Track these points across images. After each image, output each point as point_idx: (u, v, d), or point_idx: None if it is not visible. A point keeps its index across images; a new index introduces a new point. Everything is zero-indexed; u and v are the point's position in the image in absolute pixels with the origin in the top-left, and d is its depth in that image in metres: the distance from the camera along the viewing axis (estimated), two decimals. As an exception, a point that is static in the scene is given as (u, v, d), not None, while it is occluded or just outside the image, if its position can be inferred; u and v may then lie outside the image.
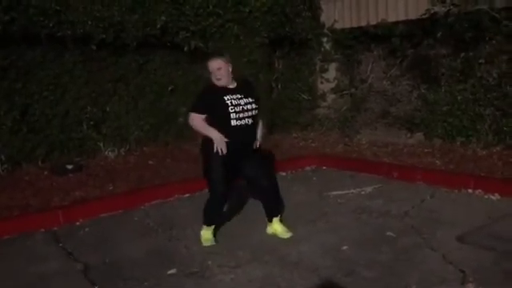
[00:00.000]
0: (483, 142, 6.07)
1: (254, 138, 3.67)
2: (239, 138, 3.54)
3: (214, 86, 3.58)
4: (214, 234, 3.81)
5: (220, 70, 3.51)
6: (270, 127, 7.88)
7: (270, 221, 3.83)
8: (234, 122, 3.49)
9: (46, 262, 3.52)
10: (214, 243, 3.71)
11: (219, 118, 3.51)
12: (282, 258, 3.39)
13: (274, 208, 3.83)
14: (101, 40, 6.02)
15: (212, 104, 3.55)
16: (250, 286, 3.02)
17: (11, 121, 5.72)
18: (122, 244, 3.84)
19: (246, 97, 3.57)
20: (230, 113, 3.47)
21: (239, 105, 3.51)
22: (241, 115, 3.50)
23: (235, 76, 3.68)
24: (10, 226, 4.15)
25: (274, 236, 3.82)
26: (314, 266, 3.23)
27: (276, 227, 3.81)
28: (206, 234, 3.75)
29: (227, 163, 3.53)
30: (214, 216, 3.75)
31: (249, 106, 3.55)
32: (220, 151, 3.48)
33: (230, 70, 3.61)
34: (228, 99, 3.51)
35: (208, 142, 3.57)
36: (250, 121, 3.55)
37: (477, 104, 6.26)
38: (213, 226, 3.78)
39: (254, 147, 3.70)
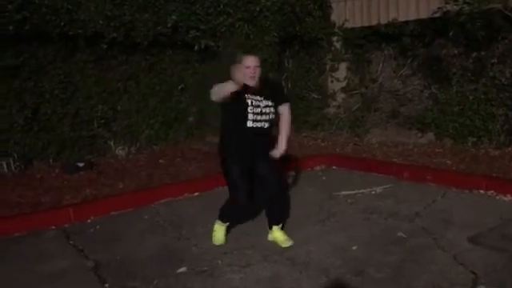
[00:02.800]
0: (495, 143, 6.02)
1: (268, 141, 3.57)
2: (253, 139, 3.48)
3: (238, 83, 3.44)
4: (228, 232, 3.79)
5: (256, 69, 3.43)
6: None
7: (271, 228, 3.73)
8: (250, 124, 3.43)
9: (57, 259, 3.55)
10: (223, 243, 3.69)
11: (236, 116, 3.45)
12: (291, 258, 3.39)
13: (275, 216, 3.72)
14: (112, 39, 6.06)
15: (234, 96, 3.42)
16: (259, 285, 3.02)
17: (23, 119, 5.78)
18: (132, 242, 3.85)
19: (266, 99, 3.50)
20: (248, 113, 3.42)
21: (258, 106, 3.45)
22: (258, 118, 3.45)
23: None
24: (21, 223, 4.19)
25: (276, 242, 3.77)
26: (323, 266, 3.23)
27: (276, 235, 3.69)
28: (219, 232, 3.73)
29: (244, 170, 3.51)
30: (230, 217, 3.75)
31: (267, 110, 3.48)
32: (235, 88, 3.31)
33: None
34: (248, 98, 3.45)
35: (224, 158, 3.56)
36: (267, 124, 3.49)
37: (489, 104, 6.20)
38: (227, 224, 3.75)
39: (275, 155, 3.57)
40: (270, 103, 3.50)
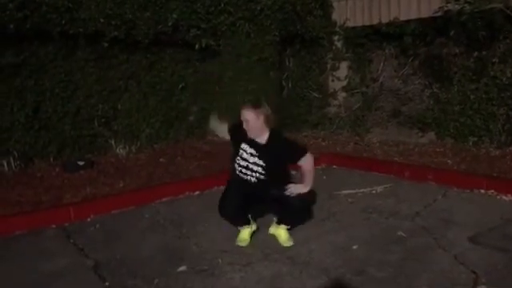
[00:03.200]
0: (496, 142, 6.01)
1: (261, 192, 3.54)
2: (245, 187, 3.52)
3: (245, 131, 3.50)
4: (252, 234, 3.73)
5: (248, 123, 3.37)
6: (280, 126, 7.88)
7: (279, 224, 3.71)
8: (237, 171, 3.51)
9: (57, 257, 3.55)
10: (246, 244, 3.62)
11: (233, 156, 3.53)
12: (291, 257, 3.38)
13: (289, 218, 3.67)
14: (112, 38, 6.05)
15: (234, 139, 3.59)
16: (260, 284, 3.01)
17: (24, 117, 5.77)
18: (132, 241, 3.85)
19: (259, 157, 3.42)
20: (236, 162, 3.49)
21: (246, 160, 3.45)
22: (243, 170, 3.47)
23: (273, 130, 3.50)
24: (21, 221, 4.18)
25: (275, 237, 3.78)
26: (323, 266, 3.22)
27: (280, 232, 3.67)
28: (242, 233, 3.69)
29: (244, 193, 3.53)
30: (231, 222, 3.74)
31: (254, 168, 3.44)
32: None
33: (262, 121, 3.40)
34: (242, 148, 3.46)
35: (232, 176, 3.62)
36: (254, 179, 3.48)
37: (490, 103, 6.19)
38: (244, 227, 3.68)
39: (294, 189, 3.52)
40: (260, 162, 3.42)
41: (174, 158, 6.31)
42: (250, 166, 3.44)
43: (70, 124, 6.23)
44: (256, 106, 3.43)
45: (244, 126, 3.39)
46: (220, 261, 3.38)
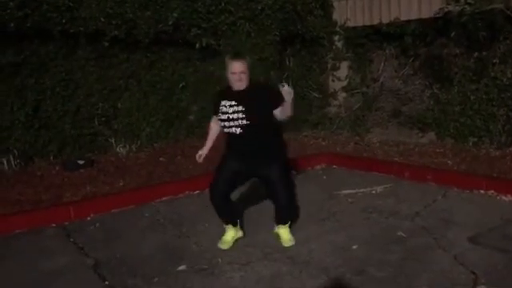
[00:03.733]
0: (496, 143, 6.01)
1: (253, 146, 3.45)
2: (235, 145, 3.47)
3: (228, 87, 3.49)
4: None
5: (242, 75, 3.38)
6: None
7: (277, 224, 3.72)
8: (225, 129, 3.46)
9: (57, 256, 3.56)
10: (227, 247, 3.60)
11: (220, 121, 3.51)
12: (291, 257, 3.39)
13: (282, 217, 3.68)
14: (113, 37, 6.05)
15: (217, 104, 3.52)
16: (259, 284, 3.02)
17: (24, 116, 5.78)
18: (132, 240, 3.86)
19: (237, 105, 3.38)
20: (219, 120, 3.47)
21: (227, 113, 3.40)
22: (226, 124, 3.41)
23: (252, 79, 3.51)
24: (21, 220, 4.20)
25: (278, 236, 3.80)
26: (323, 265, 3.23)
27: (281, 232, 3.68)
28: (226, 235, 3.67)
29: (236, 172, 3.53)
30: (220, 215, 3.65)
31: (235, 116, 3.37)
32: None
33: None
34: (222, 105, 3.44)
35: (225, 147, 3.58)
36: (239, 130, 3.37)
37: (490, 104, 6.19)
38: (229, 226, 3.66)
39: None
40: (239, 108, 3.37)
41: (174, 158, 6.31)
42: (231, 116, 3.38)
43: (71, 123, 6.23)
44: (244, 57, 3.49)
45: (237, 79, 3.37)
46: (220, 260, 3.38)
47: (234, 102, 3.39)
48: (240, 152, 3.48)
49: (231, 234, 3.66)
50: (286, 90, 3.35)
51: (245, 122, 3.35)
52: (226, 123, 3.41)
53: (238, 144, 3.44)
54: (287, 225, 3.69)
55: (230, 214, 3.68)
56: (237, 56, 3.48)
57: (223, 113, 3.42)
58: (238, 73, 3.36)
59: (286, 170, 3.71)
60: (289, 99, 3.39)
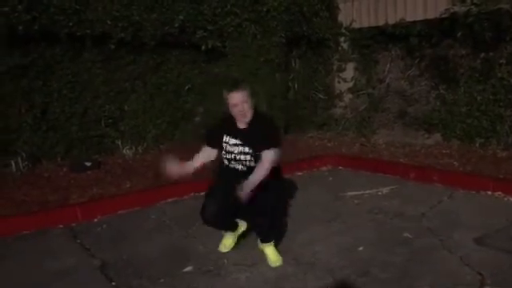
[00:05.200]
0: (503, 144, 5.98)
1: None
2: (232, 178, 3.24)
3: (230, 118, 3.28)
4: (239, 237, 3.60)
5: (246, 104, 3.18)
6: (286, 127, 7.89)
7: (262, 242, 3.41)
8: (226, 162, 3.35)
9: (64, 257, 3.58)
10: (228, 249, 3.53)
11: (220, 151, 3.36)
12: (296, 258, 3.39)
13: (264, 235, 3.37)
14: (119, 39, 6.09)
15: (217, 138, 3.36)
16: (265, 285, 3.02)
17: (31, 118, 5.82)
18: (138, 241, 3.88)
19: (243, 145, 3.24)
20: (222, 156, 3.34)
21: (231, 152, 3.27)
22: (232, 162, 3.29)
23: (256, 111, 3.31)
24: (29, 221, 4.23)
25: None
26: (328, 267, 3.23)
27: (267, 251, 3.37)
28: (225, 238, 3.58)
29: (227, 193, 3.19)
30: (215, 227, 3.51)
31: (242, 157, 3.25)
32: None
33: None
34: (225, 141, 3.29)
35: (218, 166, 3.46)
36: (244, 168, 3.28)
37: (497, 105, 6.17)
38: (228, 232, 3.55)
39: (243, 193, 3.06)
40: (246, 150, 3.23)
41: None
42: (237, 156, 3.26)
43: (77, 125, 6.27)
44: (243, 87, 3.24)
45: (239, 113, 3.17)
46: (226, 261, 3.39)
47: (238, 141, 3.26)
48: (236, 180, 3.17)
49: (232, 238, 3.57)
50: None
51: (253, 163, 3.23)
52: (232, 162, 3.31)
53: (237, 176, 3.22)
54: (272, 243, 3.39)
55: (229, 224, 3.54)
56: (235, 86, 3.23)
57: (227, 152, 3.30)
58: (240, 103, 3.15)
59: (279, 193, 3.54)
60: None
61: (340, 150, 6.81)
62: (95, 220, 4.43)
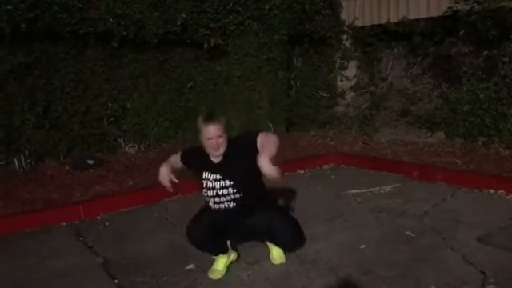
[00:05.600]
0: (506, 142, 5.97)
1: (244, 216, 3.09)
2: (223, 218, 3.09)
3: (203, 152, 3.07)
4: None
5: (221, 138, 2.97)
6: (288, 125, 7.89)
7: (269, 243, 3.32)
8: (212, 205, 3.09)
9: (67, 255, 3.59)
10: (219, 276, 3.13)
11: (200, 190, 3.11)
12: (299, 256, 3.39)
13: (282, 242, 3.25)
14: (122, 37, 6.10)
15: (195, 167, 3.16)
16: (267, 283, 3.02)
17: (34, 116, 5.83)
18: (141, 238, 3.88)
19: (223, 179, 3.02)
20: (204, 195, 3.10)
21: (213, 188, 3.04)
22: (216, 200, 3.05)
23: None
24: (32, 219, 4.24)
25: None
26: (331, 265, 3.23)
27: (273, 249, 3.30)
28: (216, 263, 3.19)
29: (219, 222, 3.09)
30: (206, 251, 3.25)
31: (225, 191, 3.03)
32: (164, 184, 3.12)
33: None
34: (204, 178, 3.07)
35: (202, 210, 3.24)
36: (232, 204, 3.06)
37: (500, 103, 6.15)
38: (220, 256, 3.20)
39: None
40: (227, 183, 3.02)
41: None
42: (220, 192, 3.03)
43: (80, 123, 6.29)
44: (219, 119, 3.02)
45: (213, 146, 2.98)
46: (228, 259, 3.39)
47: (218, 176, 3.04)
48: (226, 216, 3.10)
49: (223, 262, 3.19)
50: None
51: (238, 195, 3.04)
52: (215, 199, 3.05)
53: (226, 213, 3.08)
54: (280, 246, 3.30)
55: (220, 246, 3.22)
56: (210, 118, 2.99)
57: (209, 188, 3.05)
58: (214, 137, 2.95)
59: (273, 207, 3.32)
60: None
61: (342, 148, 6.80)
62: (98, 218, 4.44)
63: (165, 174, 3.17)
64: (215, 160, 3.07)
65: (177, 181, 3.12)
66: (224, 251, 3.21)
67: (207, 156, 3.07)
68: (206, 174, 3.09)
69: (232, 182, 3.03)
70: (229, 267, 3.21)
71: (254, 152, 2.84)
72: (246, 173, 3.01)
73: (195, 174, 3.18)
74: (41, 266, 3.41)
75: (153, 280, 3.12)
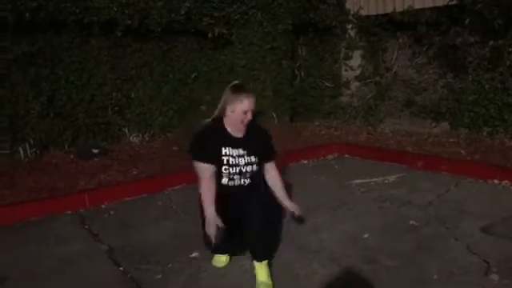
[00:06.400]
0: (511, 133, 5.94)
1: (251, 193, 2.93)
2: (228, 199, 2.85)
3: (219, 127, 2.88)
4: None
5: (251, 113, 2.83)
6: (292, 115, 7.87)
7: (253, 259, 2.93)
8: (225, 181, 2.86)
9: (73, 243, 3.62)
10: (224, 264, 3.13)
11: (214, 170, 2.86)
12: (302, 246, 3.41)
13: (259, 252, 2.89)
14: (126, 26, 6.08)
15: (215, 152, 2.85)
16: (271, 270, 3.04)
17: (39, 106, 5.84)
18: (145, 227, 3.91)
19: (249, 154, 2.88)
20: (222, 172, 2.84)
21: (237, 165, 2.85)
22: (236, 177, 2.86)
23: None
24: (38, 207, 4.27)
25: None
26: (334, 254, 3.24)
27: (258, 272, 2.87)
28: (218, 256, 3.17)
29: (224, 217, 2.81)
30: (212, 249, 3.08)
31: (248, 168, 2.88)
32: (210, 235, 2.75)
33: None
34: (226, 154, 2.84)
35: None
36: (248, 181, 2.91)
37: (505, 93, 6.11)
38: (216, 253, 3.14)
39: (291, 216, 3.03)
40: (252, 159, 2.88)
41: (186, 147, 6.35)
42: (243, 169, 2.87)
43: (84, 112, 6.29)
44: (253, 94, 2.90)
45: (244, 119, 2.82)
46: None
47: (241, 151, 2.86)
48: (231, 197, 2.88)
49: (225, 256, 3.19)
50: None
51: (256, 176, 2.93)
52: (235, 176, 2.86)
53: (239, 195, 2.88)
54: (265, 262, 2.91)
55: (226, 249, 3.13)
56: (246, 90, 2.86)
57: (232, 165, 2.84)
58: (250, 112, 2.81)
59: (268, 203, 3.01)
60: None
61: (347, 138, 6.79)
62: (103, 206, 4.47)
63: (215, 220, 2.73)
64: (237, 135, 2.87)
65: (222, 225, 2.72)
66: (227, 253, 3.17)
67: (225, 131, 2.87)
68: (226, 150, 2.84)
69: (256, 159, 2.90)
70: (231, 257, 3.19)
71: (266, 154, 2.98)
72: (260, 154, 2.95)
73: (218, 156, 2.86)
74: (46, 254, 3.44)
75: (158, 267, 3.15)
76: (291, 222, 3.45)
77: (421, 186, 4.70)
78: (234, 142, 2.85)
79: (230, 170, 2.84)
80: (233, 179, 2.88)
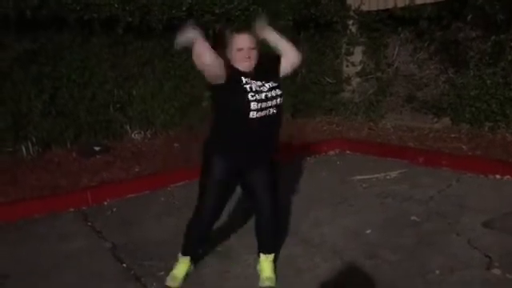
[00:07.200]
0: (513, 128, 5.94)
1: (275, 136, 2.83)
2: (258, 133, 2.69)
3: (231, 66, 2.71)
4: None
5: (252, 51, 2.69)
6: (294, 111, 7.87)
7: (259, 255, 2.97)
8: (253, 114, 2.61)
9: (76, 240, 3.64)
10: (177, 284, 2.91)
11: (235, 107, 2.65)
12: (304, 240, 3.42)
13: (265, 244, 2.95)
14: (127, 23, 6.08)
15: (235, 81, 2.67)
16: (274, 265, 3.05)
17: (41, 104, 5.85)
18: (148, 223, 3.93)
19: (268, 80, 2.72)
20: (250, 101, 2.60)
21: (261, 92, 2.64)
22: (263, 105, 2.63)
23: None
24: (40, 205, 4.28)
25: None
26: (336, 249, 3.26)
27: (263, 267, 2.91)
28: (177, 268, 2.98)
29: (230, 175, 2.85)
30: (192, 244, 3.04)
31: (273, 93, 2.69)
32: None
33: None
34: (246, 82, 2.66)
35: (209, 155, 2.95)
36: (275, 110, 2.70)
37: (507, 88, 6.11)
38: (188, 258, 3.01)
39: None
40: (274, 84, 2.73)
41: (188, 144, 6.36)
42: (269, 94, 2.68)
43: (86, 110, 6.30)
44: (251, 32, 2.79)
45: (245, 56, 2.68)
46: (235, 243, 3.43)
47: (259, 82, 2.69)
48: (248, 147, 2.74)
49: (185, 269, 2.99)
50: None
51: (279, 100, 2.74)
52: (263, 104, 2.63)
53: (259, 131, 2.69)
54: (272, 256, 2.96)
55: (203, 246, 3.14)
56: (242, 29, 2.79)
57: (256, 91, 2.63)
58: (246, 49, 2.67)
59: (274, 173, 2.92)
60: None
61: (348, 134, 6.80)
62: (105, 203, 4.48)
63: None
64: (247, 70, 2.70)
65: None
66: (194, 255, 3.08)
67: (236, 69, 2.70)
68: (246, 79, 2.67)
69: (277, 84, 2.75)
70: (186, 276, 2.97)
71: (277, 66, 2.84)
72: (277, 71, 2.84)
73: (226, 84, 2.67)
74: (49, 251, 3.46)
75: (160, 263, 3.16)
76: None
77: (422, 181, 4.71)
78: (249, 75, 2.69)
79: (257, 96, 2.63)
80: (261, 109, 2.63)
